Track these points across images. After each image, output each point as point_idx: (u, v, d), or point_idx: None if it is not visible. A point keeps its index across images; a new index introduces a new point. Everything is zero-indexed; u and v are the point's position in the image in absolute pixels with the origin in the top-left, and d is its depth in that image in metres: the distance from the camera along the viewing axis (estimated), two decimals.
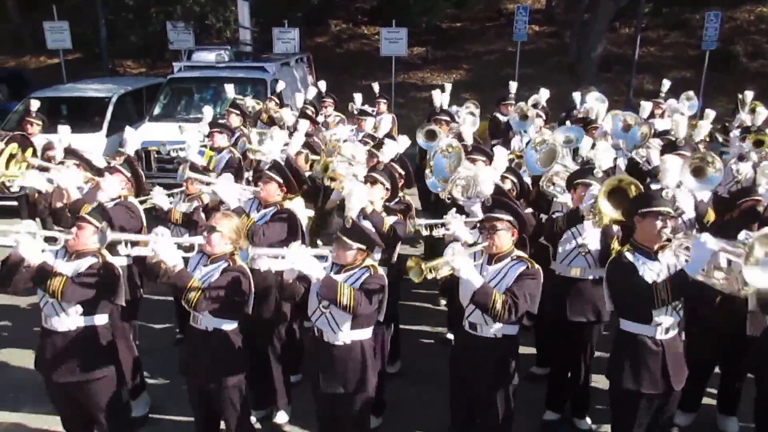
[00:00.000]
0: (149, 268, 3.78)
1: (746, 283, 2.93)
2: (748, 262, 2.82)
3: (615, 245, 4.07)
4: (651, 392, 3.59)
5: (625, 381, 3.64)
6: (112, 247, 3.79)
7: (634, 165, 5.68)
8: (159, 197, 5.05)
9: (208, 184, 4.88)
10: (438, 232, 4.54)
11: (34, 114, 7.88)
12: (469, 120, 7.11)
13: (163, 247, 3.57)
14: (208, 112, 7.62)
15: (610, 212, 3.88)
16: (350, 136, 7.58)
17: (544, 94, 8.31)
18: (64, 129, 5.69)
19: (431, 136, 6.60)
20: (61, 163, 5.19)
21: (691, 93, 8.43)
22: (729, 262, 3.15)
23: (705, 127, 5.96)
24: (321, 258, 3.56)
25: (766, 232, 2.87)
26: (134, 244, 3.70)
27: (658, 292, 3.36)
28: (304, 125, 6.62)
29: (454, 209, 4.61)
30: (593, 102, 7.79)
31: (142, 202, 5.03)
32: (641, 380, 3.59)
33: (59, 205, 4.91)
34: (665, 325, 3.54)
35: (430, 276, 3.42)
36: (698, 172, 4.48)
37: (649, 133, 5.59)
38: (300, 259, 3.41)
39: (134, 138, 5.33)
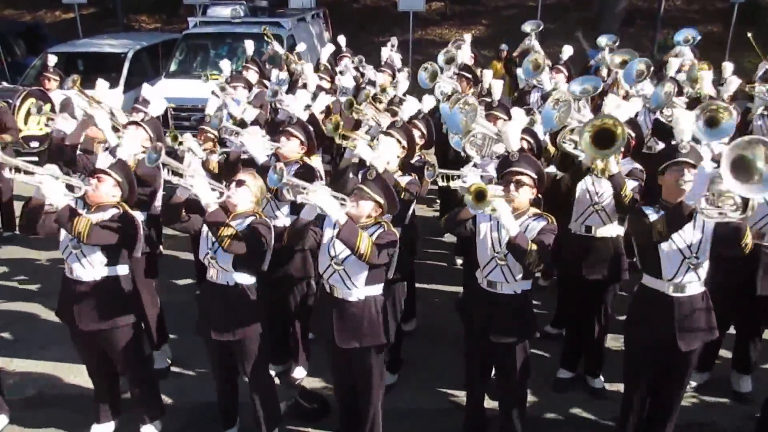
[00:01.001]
0: (171, 208, 3.76)
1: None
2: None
3: (627, 192, 4.00)
4: (653, 348, 3.66)
5: (631, 333, 3.79)
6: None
7: (660, 125, 5.55)
8: (192, 142, 4.97)
9: (237, 134, 4.81)
10: (455, 184, 4.49)
11: (52, 69, 7.89)
12: (489, 74, 6.97)
13: (200, 182, 3.57)
14: (225, 66, 7.55)
15: (591, 151, 3.80)
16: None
17: (567, 51, 8.08)
18: (101, 84, 5.57)
19: (433, 77, 6.57)
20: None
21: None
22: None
23: (734, 82, 5.76)
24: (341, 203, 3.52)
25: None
26: (176, 173, 3.68)
27: (654, 225, 3.39)
28: (314, 80, 6.56)
29: (472, 163, 4.57)
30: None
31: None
32: (645, 335, 3.70)
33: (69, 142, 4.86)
34: (677, 282, 3.55)
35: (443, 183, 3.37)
36: (711, 122, 4.37)
37: (672, 91, 5.42)
38: (324, 197, 3.35)
39: (159, 100, 5.23)
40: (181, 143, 5.00)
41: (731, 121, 4.31)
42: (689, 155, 3.51)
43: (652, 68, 5.63)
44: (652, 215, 3.52)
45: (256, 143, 4.45)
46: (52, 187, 3.57)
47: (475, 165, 4.59)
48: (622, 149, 4.20)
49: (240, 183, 3.81)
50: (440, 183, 4.66)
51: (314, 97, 5.96)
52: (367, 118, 5.65)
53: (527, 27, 8.82)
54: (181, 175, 3.70)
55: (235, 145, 4.75)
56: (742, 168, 2.93)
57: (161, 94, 5.44)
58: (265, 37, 8.57)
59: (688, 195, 3.25)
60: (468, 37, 8.82)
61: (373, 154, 3.81)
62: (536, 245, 3.44)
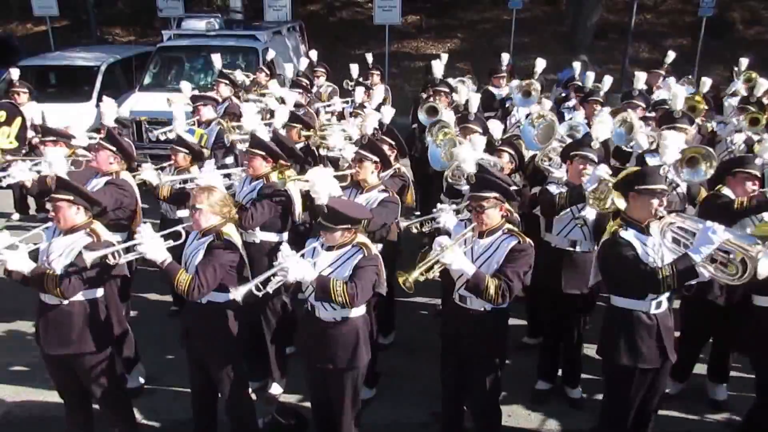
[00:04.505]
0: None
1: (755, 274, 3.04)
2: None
3: (610, 223, 4.05)
4: (647, 366, 3.61)
5: (620, 357, 3.62)
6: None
7: (618, 147, 5.64)
8: (148, 173, 4.99)
9: (190, 180, 4.82)
10: (429, 226, 4.51)
11: (18, 83, 7.80)
12: (464, 90, 7.02)
13: (150, 247, 3.53)
14: (185, 87, 7.40)
15: (622, 205, 3.79)
16: (346, 108, 7.52)
17: (540, 64, 8.20)
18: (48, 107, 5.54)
19: (433, 112, 6.51)
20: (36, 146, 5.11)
21: (691, 78, 8.30)
22: (727, 252, 3.20)
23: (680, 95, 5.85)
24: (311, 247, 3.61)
25: None
26: (127, 250, 3.65)
27: (664, 279, 3.32)
28: (292, 97, 6.54)
29: (440, 203, 4.61)
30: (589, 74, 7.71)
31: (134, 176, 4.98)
32: (637, 355, 3.59)
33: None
34: (660, 300, 3.55)
35: (423, 277, 3.39)
36: (692, 162, 4.43)
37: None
38: (295, 268, 3.36)
39: (111, 109, 5.22)
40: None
41: (709, 171, 4.40)
42: (663, 178, 3.56)
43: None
44: (629, 240, 3.53)
45: (213, 180, 4.40)
46: (15, 260, 3.57)
47: (451, 193, 4.62)
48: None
49: (193, 210, 3.75)
50: (414, 231, 4.74)
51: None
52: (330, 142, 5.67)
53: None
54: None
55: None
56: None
57: (135, 107, 5.45)
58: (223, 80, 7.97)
59: (692, 251, 3.26)
60: (444, 56, 8.86)
61: (315, 189, 3.83)
62: (496, 279, 3.45)
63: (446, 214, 4.06)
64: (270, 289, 3.37)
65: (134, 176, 5.00)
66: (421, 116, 6.47)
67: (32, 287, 3.67)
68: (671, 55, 8.83)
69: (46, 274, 3.63)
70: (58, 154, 4.54)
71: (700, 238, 3.23)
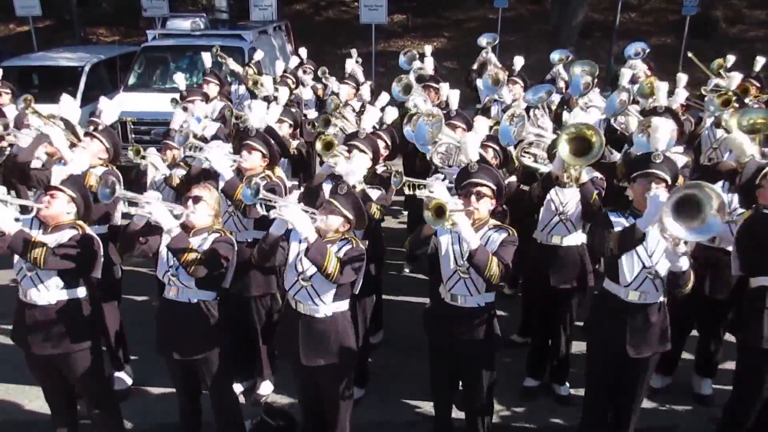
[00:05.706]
0: (128, 237, 3.66)
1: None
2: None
3: (595, 201, 4.09)
4: (607, 352, 3.70)
5: (589, 338, 3.85)
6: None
7: (612, 132, 5.66)
8: (155, 158, 4.91)
9: (200, 150, 4.66)
10: (421, 193, 4.48)
11: (1, 83, 7.69)
12: (445, 86, 7.03)
13: (159, 208, 3.48)
14: (179, 79, 7.36)
15: (570, 159, 3.84)
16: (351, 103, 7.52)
17: (518, 62, 8.21)
18: (67, 99, 5.37)
19: (407, 90, 6.55)
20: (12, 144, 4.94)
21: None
22: None
23: (681, 94, 5.93)
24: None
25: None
26: (132, 203, 3.58)
27: (607, 242, 3.43)
28: (285, 94, 6.51)
29: (438, 174, 4.58)
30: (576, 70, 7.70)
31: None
32: (600, 337, 3.76)
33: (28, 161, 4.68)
34: (634, 288, 3.56)
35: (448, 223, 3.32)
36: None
37: (628, 100, 5.54)
38: (296, 213, 3.31)
39: (112, 108, 5.13)
40: (143, 157, 4.92)
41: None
42: (662, 165, 3.53)
43: (596, 80, 5.72)
44: (618, 224, 3.53)
45: (222, 159, 4.36)
46: (2, 214, 3.41)
47: (444, 176, 4.59)
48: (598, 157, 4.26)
49: (197, 199, 3.72)
50: (406, 191, 4.65)
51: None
52: (337, 130, 5.65)
53: (483, 40, 8.91)
54: (137, 204, 3.56)
55: (199, 161, 4.65)
56: (689, 207, 2.94)
57: (120, 107, 5.38)
58: (219, 58, 8.34)
59: (640, 220, 3.26)
60: (429, 48, 8.86)
61: (347, 168, 3.80)
62: (496, 258, 3.42)
63: (439, 186, 4.00)
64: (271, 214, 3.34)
65: (142, 158, 4.96)
66: (395, 90, 6.54)
67: (11, 249, 3.48)
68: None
69: (34, 240, 3.50)
70: (88, 154, 4.45)
71: (648, 206, 3.23)
